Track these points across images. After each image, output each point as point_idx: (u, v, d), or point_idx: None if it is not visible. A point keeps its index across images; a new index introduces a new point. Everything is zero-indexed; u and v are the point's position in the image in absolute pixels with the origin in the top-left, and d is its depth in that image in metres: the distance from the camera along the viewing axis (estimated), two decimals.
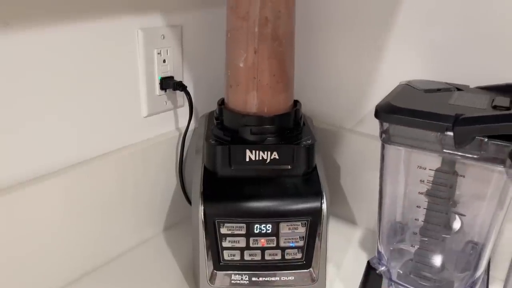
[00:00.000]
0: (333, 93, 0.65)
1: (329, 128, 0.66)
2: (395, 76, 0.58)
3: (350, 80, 0.63)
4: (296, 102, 0.57)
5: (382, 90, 0.60)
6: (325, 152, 0.67)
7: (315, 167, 0.53)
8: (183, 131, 0.63)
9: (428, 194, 0.46)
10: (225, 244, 0.49)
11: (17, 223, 0.47)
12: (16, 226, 0.47)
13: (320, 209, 0.49)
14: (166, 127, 0.63)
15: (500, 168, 0.39)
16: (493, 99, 0.43)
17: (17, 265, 0.48)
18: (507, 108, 0.41)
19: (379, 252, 0.51)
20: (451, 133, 0.39)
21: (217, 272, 0.50)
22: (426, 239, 0.48)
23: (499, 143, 0.38)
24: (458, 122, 0.39)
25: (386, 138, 0.44)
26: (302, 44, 0.66)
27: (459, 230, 0.48)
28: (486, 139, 0.38)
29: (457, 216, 0.47)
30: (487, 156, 0.39)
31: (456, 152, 0.40)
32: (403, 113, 0.41)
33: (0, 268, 0.46)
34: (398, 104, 0.42)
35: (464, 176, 0.43)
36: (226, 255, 0.50)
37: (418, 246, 0.49)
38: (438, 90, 0.47)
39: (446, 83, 0.50)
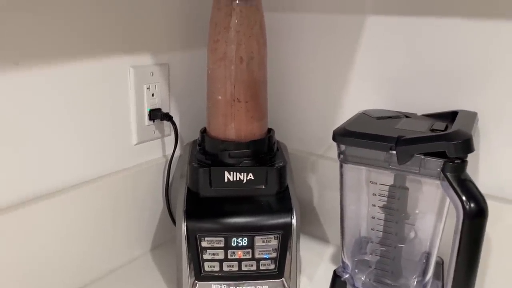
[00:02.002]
0: (304, 122, 0.73)
1: (301, 154, 0.73)
2: (357, 106, 0.66)
3: (319, 110, 0.71)
4: (270, 130, 0.64)
5: (346, 118, 0.68)
6: (298, 175, 0.73)
7: (287, 187, 0.60)
8: (169, 158, 0.70)
9: (383, 207, 0.53)
10: (205, 256, 0.55)
11: (14, 241, 0.52)
12: (13, 244, 0.52)
13: (290, 224, 0.56)
14: (154, 154, 0.70)
15: (436, 181, 0.46)
16: (433, 124, 0.51)
17: (14, 281, 0.52)
18: (442, 131, 0.48)
19: (343, 262, 0.57)
20: (394, 152, 0.46)
21: (198, 282, 0.55)
22: (384, 248, 0.54)
23: (433, 159, 0.45)
24: (400, 142, 0.46)
25: (343, 158, 0.51)
26: (277, 78, 0.74)
27: (413, 239, 0.54)
28: (423, 156, 0.46)
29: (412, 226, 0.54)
30: (425, 171, 0.46)
31: (400, 168, 0.47)
32: (355, 136, 0.48)
33: None
34: (351, 129, 0.50)
35: (408, 189, 0.50)
36: (207, 266, 0.55)
37: (378, 255, 0.55)
38: (389, 117, 0.55)
39: (398, 111, 0.58)
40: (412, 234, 0.54)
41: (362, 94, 0.66)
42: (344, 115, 0.68)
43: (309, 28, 0.69)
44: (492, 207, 0.44)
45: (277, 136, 0.73)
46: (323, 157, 0.72)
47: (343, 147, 0.50)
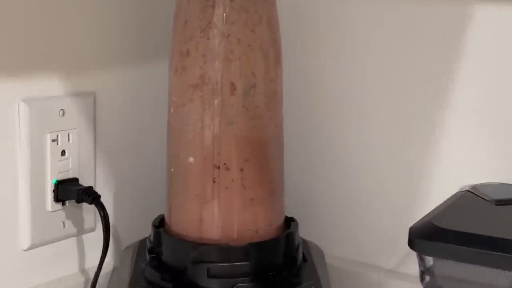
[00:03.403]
0: (357, 209, 0.75)
1: (353, 268, 0.74)
2: (457, 177, 0.67)
3: (385, 185, 0.72)
4: (289, 222, 0.65)
5: (437, 201, 0.69)
6: None
7: None
8: (92, 275, 0.70)
9: None
10: None
11: None
12: None
13: None
14: (63, 268, 0.70)
15: None
16: None
17: None
18: None
19: None
20: None
21: None
22: None
23: None
24: None
25: (430, 283, 0.52)
26: (302, 121, 0.76)
27: None
28: None
29: None
30: None
31: None
32: (452, 239, 0.49)
33: None
34: (445, 225, 0.51)
35: None
36: None
37: None
38: None
39: None
40: None
41: (465, 154, 0.67)
42: (433, 194, 0.69)
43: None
44: None
45: (305, 234, 0.74)
46: (394, 273, 0.72)
47: (430, 260, 0.51)
